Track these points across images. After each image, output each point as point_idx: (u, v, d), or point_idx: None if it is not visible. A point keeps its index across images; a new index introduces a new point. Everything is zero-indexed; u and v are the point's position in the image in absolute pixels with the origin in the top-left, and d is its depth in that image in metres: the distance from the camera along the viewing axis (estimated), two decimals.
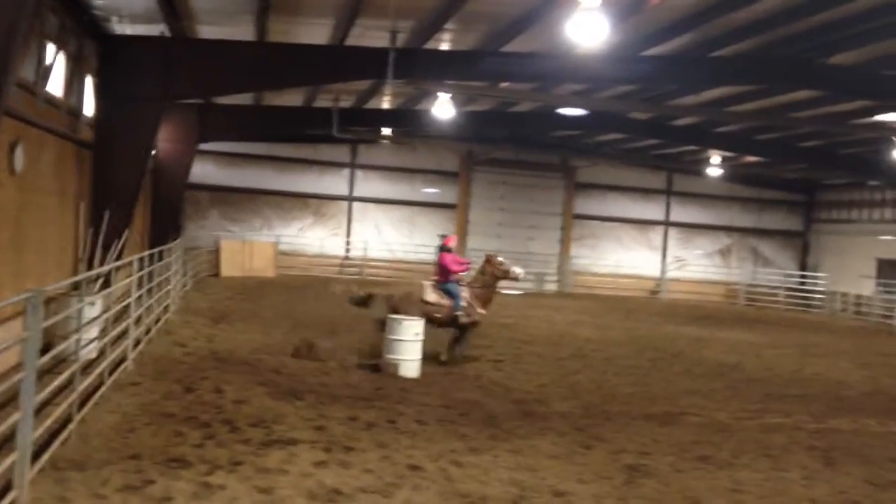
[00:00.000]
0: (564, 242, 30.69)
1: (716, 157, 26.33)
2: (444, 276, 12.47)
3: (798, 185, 31.33)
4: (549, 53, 14.11)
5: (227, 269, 25.51)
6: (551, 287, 29.80)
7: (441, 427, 8.33)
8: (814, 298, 29.39)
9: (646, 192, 31.49)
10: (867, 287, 28.07)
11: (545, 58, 14.24)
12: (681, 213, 31.72)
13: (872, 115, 17.67)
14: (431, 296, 12.38)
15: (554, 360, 13.49)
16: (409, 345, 11.09)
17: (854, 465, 7.87)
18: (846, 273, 29.05)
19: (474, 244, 29.79)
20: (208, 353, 11.54)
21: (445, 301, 12.31)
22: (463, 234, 29.63)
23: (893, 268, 27.54)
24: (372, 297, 12.71)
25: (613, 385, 11.57)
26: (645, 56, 14.48)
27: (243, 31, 14.02)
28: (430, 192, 29.76)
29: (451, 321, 12.42)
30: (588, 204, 31.04)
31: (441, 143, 28.08)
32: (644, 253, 31.46)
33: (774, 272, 31.61)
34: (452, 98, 18.00)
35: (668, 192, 31.63)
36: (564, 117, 22.35)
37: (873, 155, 21.64)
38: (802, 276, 30.69)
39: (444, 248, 12.78)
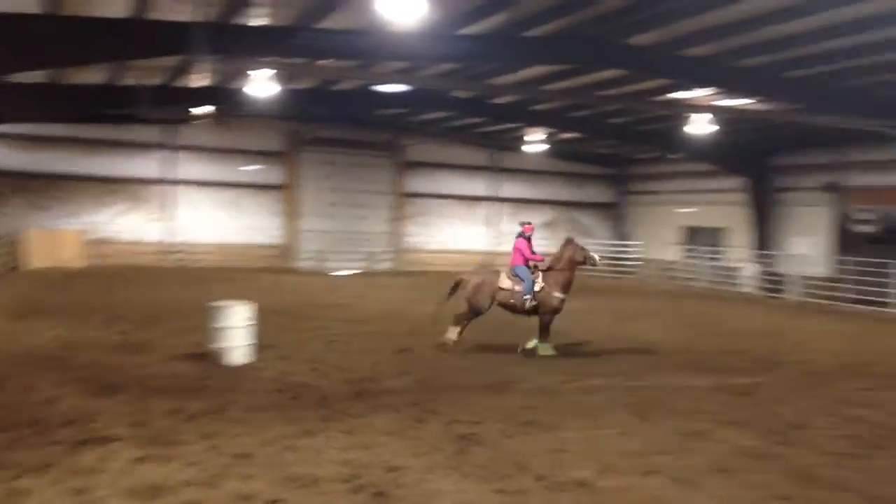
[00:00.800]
0: (396, 221, 30.87)
1: (535, 134, 27.40)
2: (517, 261, 12.51)
3: (611, 159, 33.25)
4: (367, 30, 14.02)
5: (33, 260, 23.61)
6: (385, 266, 29.92)
7: (272, 413, 8.15)
8: (629, 266, 31.36)
9: (473, 168, 32.28)
10: (675, 253, 30.37)
11: (362, 35, 14.14)
12: (505, 188, 32.78)
13: (670, 93, 18.95)
14: (505, 282, 12.45)
15: (388, 337, 13.53)
16: (236, 332, 10.73)
17: (664, 418, 8.46)
18: (656, 241, 31.28)
19: (307, 225, 29.40)
20: (14, 351, 10.62)
21: (518, 287, 12.30)
22: (294, 215, 29.12)
23: (695, 234, 29.97)
24: (459, 284, 12.79)
25: (446, 359, 11.77)
26: (462, 35, 14.74)
27: (31, 2, 12.79)
28: (256, 173, 28.88)
29: (523, 307, 12.34)
30: (418, 182, 31.35)
31: (265, 123, 27.36)
32: (474, 228, 32.29)
33: (594, 242, 33.41)
34: (273, 76, 17.47)
35: (495, 169, 32.57)
36: (389, 96, 22.42)
37: (672, 129, 23.28)
38: (618, 246, 32.64)
39: (521, 235, 12.73)
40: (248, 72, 17.21)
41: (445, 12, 13.33)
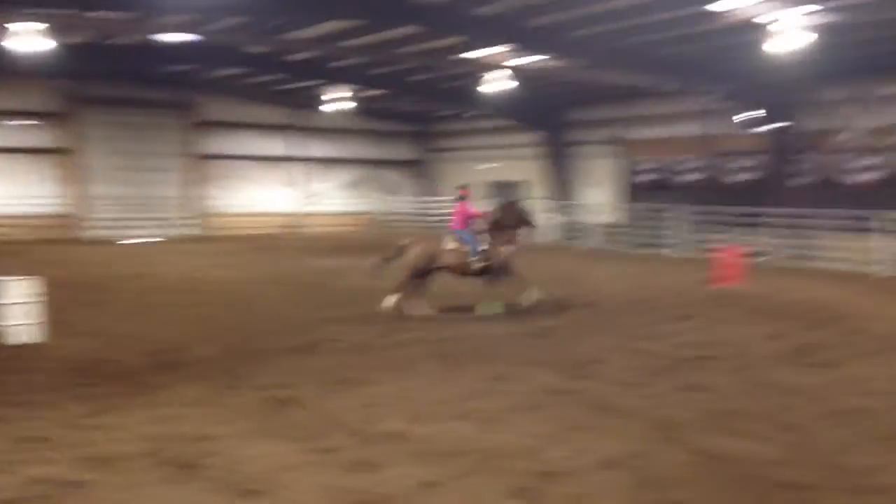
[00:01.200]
0: (193, 184, 29.44)
1: (336, 92, 27.06)
2: (461, 225, 12.58)
3: (415, 116, 33.59)
4: None
5: None
6: (183, 232, 28.57)
7: (67, 392, 7.59)
8: (436, 221, 32.01)
9: (274, 128, 31.45)
10: (481, 207, 31.33)
11: None
12: (312, 147, 32.24)
13: (467, 51, 19.38)
14: (450, 244, 12.36)
15: (191, 305, 12.99)
16: (20, 308, 9.85)
17: (473, 364, 8.80)
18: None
19: (95, 191, 27.37)
20: None
21: (464, 248, 12.26)
22: (78, 181, 26.99)
23: (498, 188, 31.08)
24: (401, 251, 12.46)
25: (255, 323, 11.50)
26: None
27: None
28: (30, 136, 26.39)
29: (469, 268, 12.29)
30: (215, 143, 30.07)
31: (37, 82, 24.95)
32: (279, 189, 31.57)
33: (402, 199, 33.79)
34: (42, 30, 15.86)
35: (297, 128, 31.89)
36: (176, 50, 21.14)
37: (472, 87, 23.87)
38: (425, 202, 33.22)
39: (460, 198, 12.89)
40: (8, 25, 15.50)
41: None
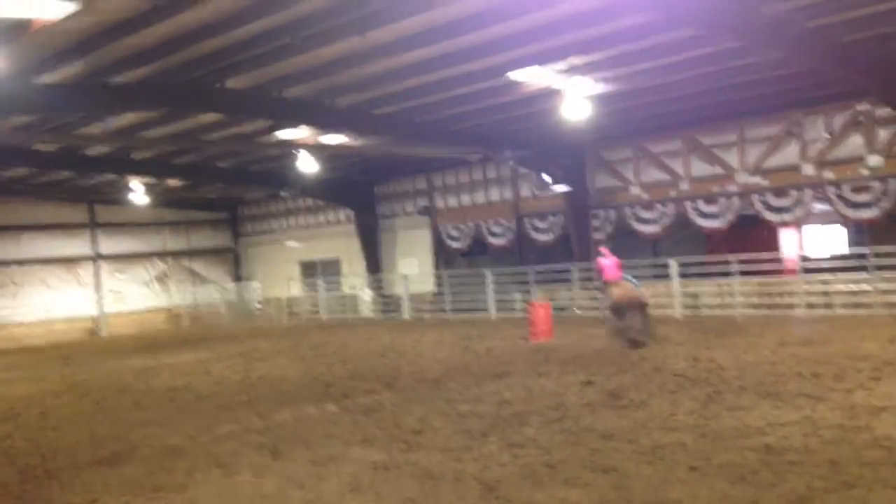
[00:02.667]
0: None
1: (137, 184, 25.99)
2: (616, 274, 16.31)
3: (221, 203, 32.85)
4: None
5: None
6: None
7: None
8: (251, 307, 31.20)
9: (68, 227, 29.62)
10: (296, 288, 30.95)
11: None
12: (110, 244, 30.57)
13: (273, 133, 19.38)
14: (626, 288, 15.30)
15: None
16: None
17: (298, 450, 8.51)
18: (276, 279, 31.57)
19: None
20: None
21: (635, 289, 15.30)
22: None
23: (313, 267, 30.89)
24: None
25: (54, 439, 10.50)
26: (39, 83, 13.48)
27: None
28: None
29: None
30: (2, 247, 27.72)
31: None
32: (76, 292, 29.50)
33: (212, 289, 32.63)
34: None
35: (93, 225, 30.17)
36: None
37: (281, 169, 23.81)
38: (238, 289, 32.30)
39: (602, 257, 16.97)
40: None
41: (15, 60, 12.04)
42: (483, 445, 8.14)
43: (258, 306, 31.54)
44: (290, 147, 20.22)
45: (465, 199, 25.81)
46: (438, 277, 26.09)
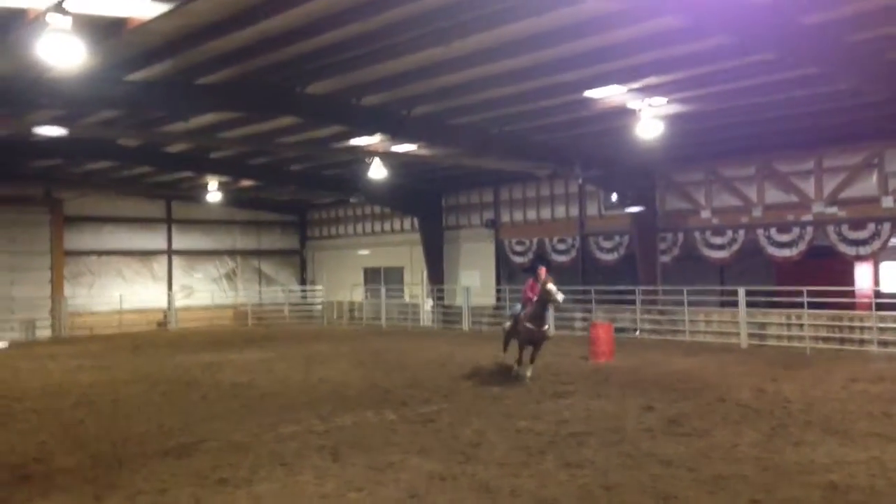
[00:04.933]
0: (56, 282, 27.97)
1: (212, 183, 26.75)
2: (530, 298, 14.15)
3: (291, 205, 33.54)
4: (17, 75, 12.80)
5: None
6: (45, 333, 26.99)
7: None
8: (315, 310, 31.73)
9: (145, 221, 30.58)
10: (359, 294, 31.37)
11: (11, 79, 12.88)
12: (183, 240, 31.49)
13: (347, 139, 19.75)
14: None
15: (54, 413, 12.19)
16: None
17: (358, 455, 8.67)
18: (340, 283, 32.06)
19: None
20: None
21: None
22: None
23: (376, 274, 31.25)
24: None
25: (124, 427, 10.90)
26: (128, 80, 14.05)
27: None
28: None
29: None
30: (81, 238, 28.87)
31: None
32: (148, 285, 30.46)
33: (278, 290, 33.31)
34: None
35: (169, 220, 31.15)
36: (45, 145, 20.44)
37: (351, 175, 24.21)
38: (303, 291, 32.87)
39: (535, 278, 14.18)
40: None
41: (107, 58, 12.61)
42: (540, 463, 8.17)
43: (321, 309, 32.03)
44: (362, 154, 20.55)
45: (531, 214, 25.79)
46: (500, 291, 26.11)
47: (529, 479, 7.51)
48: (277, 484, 7.66)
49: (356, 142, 19.80)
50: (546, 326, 14.11)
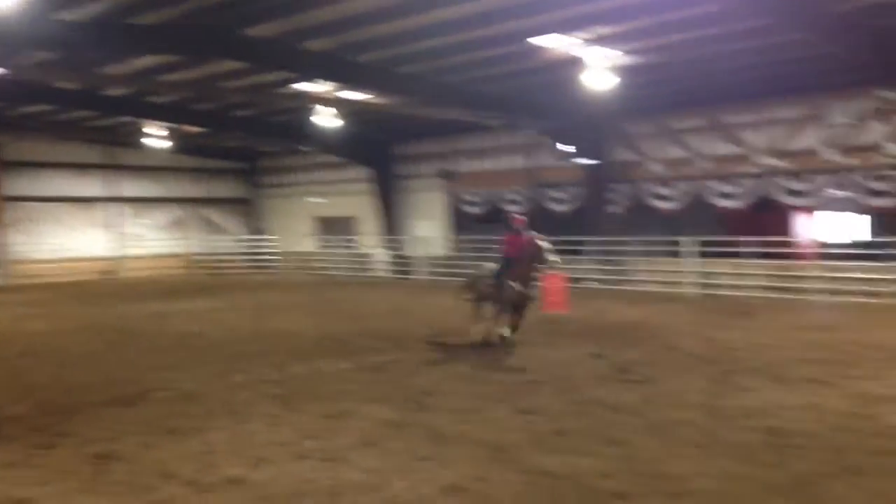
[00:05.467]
0: None
1: (155, 129, 26.01)
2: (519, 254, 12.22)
3: (240, 153, 32.85)
4: None
5: None
6: None
7: None
8: (266, 260, 31.41)
9: (87, 167, 29.71)
10: (311, 244, 31.12)
11: None
12: (130, 187, 30.72)
13: (292, 85, 19.28)
14: (487, 273, 12.53)
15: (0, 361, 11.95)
16: None
17: (311, 404, 8.68)
18: (292, 233, 31.74)
19: None
20: None
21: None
22: None
23: (328, 224, 31.02)
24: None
25: (72, 376, 10.74)
26: (60, 20, 13.47)
27: None
28: None
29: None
30: (20, 184, 27.93)
31: None
32: (94, 233, 29.73)
33: (228, 238, 32.83)
34: None
35: (112, 167, 30.29)
36: None
37: (300, 122, 23.76)
38: (254, 240, 32.47)
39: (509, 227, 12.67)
40: None
41: None
42: (494, 410, 8.28)
43: (272, 259, 31.72)
44: (310, 101, 20.13)
45: (484, 164, 25.73)
46: (453, 242, 26.13)
47: (483, 427, 7.62)
48: (229, 432, 7.64)
49: (302, 88, 19.36)
50: (535, 288, 12.41)
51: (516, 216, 12.88)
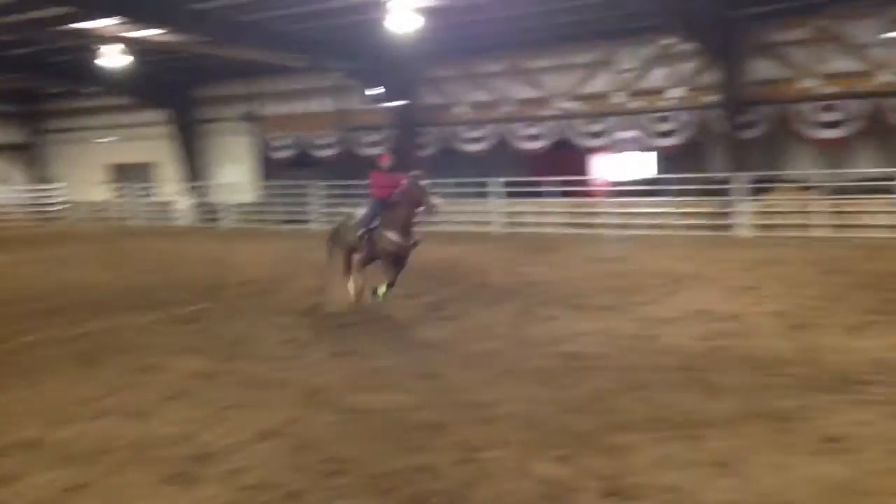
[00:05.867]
0: None
1: None
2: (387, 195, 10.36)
3: (20, 95, 29.85)
4: None
5: None
6: None
7: None
8: (54, 210, 29.08)
9: None
10: (105, 193, 29.11)
11: None
12: None
13: (72, 23, 17.70)
14: (354, 220, 10.64)
15: None
16: None
17: (114, 359, 8.25)
18: (83, 181, 29.50)
19: None
20: None
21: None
22: None
23: (124, 171, 29.12)
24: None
25: None
26: None
27: None
28: None
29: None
30: None
31: None
32: None
33: (8, 189, 30.01)
34: None
35: None
36: None
37: (86, 62, 21.89)
38: (39, 190, 29.91)
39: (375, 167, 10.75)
40: None
41: None
42: (307, 355, 8.28)
43: (62, 209, 29.39)
44: (93, 38, 18.57)
45: (292, 107, 25.12)
46: (261, 188, 25.46)
47: (297, 371, 7.60)
48: (21, 393, 7.11)
49: (84, 25, 17.79)
50: (415, 238, 10.35)
51: (382, 153, 11.55)
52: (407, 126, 22.35)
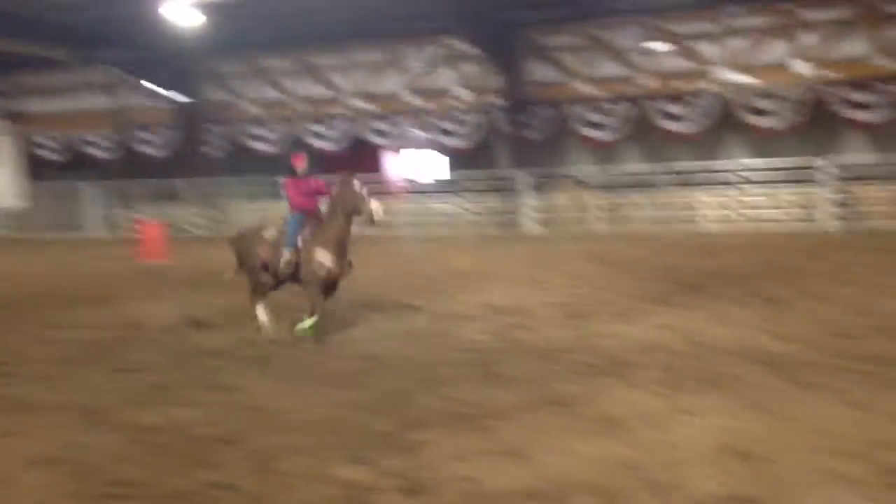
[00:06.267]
0: None
1: None
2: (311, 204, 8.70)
3: None
4: None
5: None
6: None
7: None
8: None
9: None
10: None
11: None
12: None
13: None
14: (271, 232, 8.66)
15: None
16: None
17: None
18: None
19: None
20: None
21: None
22: None
23: None
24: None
25: None
26: None
27: None
28: None
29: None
30: None
31: None
32: None
33: None
34: None
35: None
36: None
37: None
38: None
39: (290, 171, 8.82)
40: None
41: None
42: (86, 373, 7.65)
43: None
44: None
45: (59, 105, 23.14)
46: (29, 191, 23.26)
47: (74, 392, 6.96)
48: None
49: None
50: (349, 258, 8.68)
51: (296, 154, 9.10)
52: (191, 124, 21.36)
